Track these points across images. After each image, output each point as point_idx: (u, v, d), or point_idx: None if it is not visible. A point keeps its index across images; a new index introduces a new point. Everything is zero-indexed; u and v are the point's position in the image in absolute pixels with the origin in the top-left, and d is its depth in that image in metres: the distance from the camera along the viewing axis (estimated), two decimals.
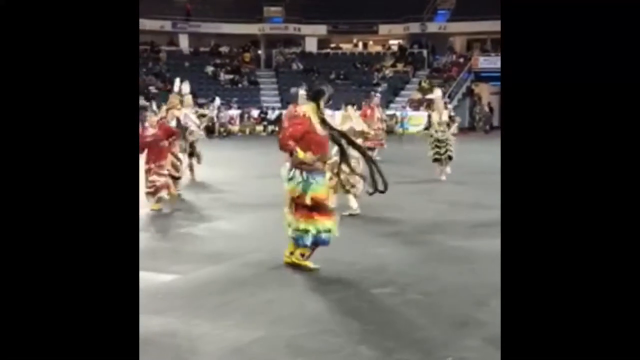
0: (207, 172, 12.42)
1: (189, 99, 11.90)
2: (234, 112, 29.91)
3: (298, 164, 5.74)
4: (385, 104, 30.90)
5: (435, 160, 12.50)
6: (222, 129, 27.18)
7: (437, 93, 13.64)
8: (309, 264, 5.88)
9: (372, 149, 12.38)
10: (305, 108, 5.96)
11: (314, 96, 5.95)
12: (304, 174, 5.73)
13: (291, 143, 5.68)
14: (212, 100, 19.23)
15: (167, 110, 10.59)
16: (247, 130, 28.84)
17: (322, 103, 5.86)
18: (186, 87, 12.47)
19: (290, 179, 5.79)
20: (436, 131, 12.47)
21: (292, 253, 5.96)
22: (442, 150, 12.33)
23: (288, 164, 5.86)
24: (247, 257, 6.42)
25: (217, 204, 9.74)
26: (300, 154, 5.66)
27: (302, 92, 12.56)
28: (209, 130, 27.37)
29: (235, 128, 28.99)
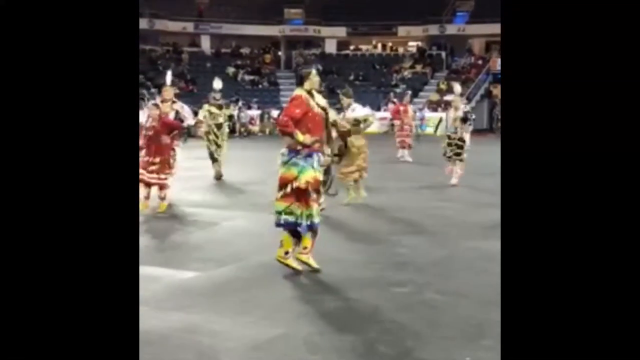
0: (228, 171, 12.45)
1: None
2: (254, 112, 29.99)
3: (295, 147, 5.61)
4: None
5: (447, 158, 11.93)
6: (242, 129, 27.28)
7: (456, 88, 12.77)
8: (313, 262, 5.71)
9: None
10: (298, 91, 5.79)
11: (300, 81, 5.87)
12: (300, 157, 5.61)
13: (291, 124, 5.55)
14: (236, 101, 19.22)
15: (162, 102, 10.15)
16: (267, 131, 28.88)
17: (307, 85, 5.77)
18: (218, 84, 12.59)
19: (286, 163, 5.65)
20: (447, 127, 11.96)
21: (287, 253, 5.70)
22: (452, 149, 11.71)
23: (285, 149, 5.71)
24: (267, 255, 6.41)
25: (237, 202, 9.77)
26: (300, 136, 5.54)
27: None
28: (230, 130, 27.53)
29: (256, 128, 29.08)
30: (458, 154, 11.65)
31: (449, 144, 11.72)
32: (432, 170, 13.33)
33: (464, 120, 11.73)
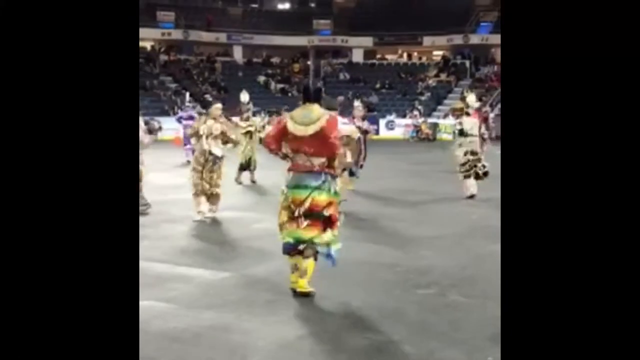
0: (260, 174, 12.48)
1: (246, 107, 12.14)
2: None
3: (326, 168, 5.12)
4: (429, 112, 30.75)
5: (466, 176, 10.59)
6: None
7: (470, 98, 11.37)
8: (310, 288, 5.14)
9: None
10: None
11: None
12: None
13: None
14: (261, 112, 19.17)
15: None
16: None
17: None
18: (245, 97, 12.64)
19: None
20: (470, 142, 10.60)
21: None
22: (473, 165, 10.53)
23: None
24: None
25: (266, 205, 9.77)
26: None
27: (357, 103, 11.83)
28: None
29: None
30: (479, 168, 10.52)
31: (467, 160, 10.55)
32: (455, 176, 13.21)
33: (484, 134, 10.88)
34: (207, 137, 8.34)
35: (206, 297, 5.08)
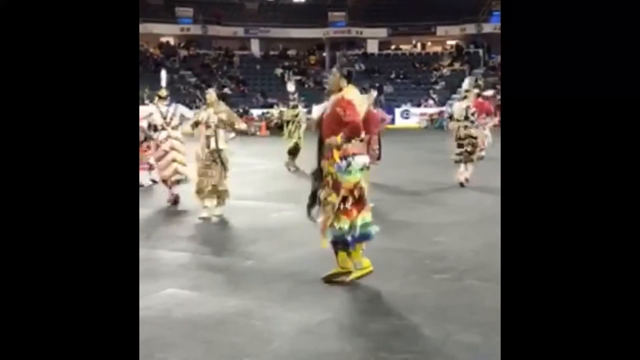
0: (278, 164, 12.54)
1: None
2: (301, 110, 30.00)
3: (351, 153, 4.94)
4: (444, 100, 30.62)
5: (457, 161, 10.41)
6: None
7: (465, 82, 11.14)
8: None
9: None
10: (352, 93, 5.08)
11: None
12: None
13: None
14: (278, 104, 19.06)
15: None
16: (313, 127, 28.84)
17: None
18: (291, 87, 12.59)
19: (351, 170, 4.92)
20: (458, 127, 10.35)
21: (343, 268, 5.07)
22: (464, 150, 10.29)
23: (356, 156, 4.97)
24: (315, 245, 6.44)
25: (285, 196, 9.82)
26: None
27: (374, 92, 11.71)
28: (280, 128, 27.68)
29: (303, 125, 29.07)
30: (470, 153, 10.30)
31: (460, 145, 10.35)
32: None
33: (473, 116, 10.38)
34: (207, 127, 7.85)
35: (229, 285, 5.13)
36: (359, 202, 4.97)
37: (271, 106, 29.83)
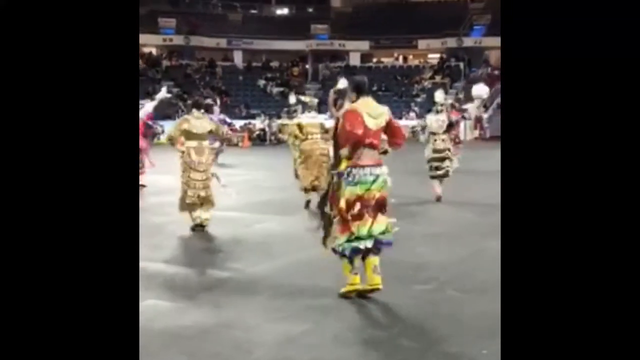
0: (260, 175, 12.51)
1: None
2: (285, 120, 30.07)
3: (361, 164, 4.92)
4: (426, 113, 30.79)
5: (433, 177, 10.19)
6: (272, 138, 27.40)
7: (437, 94, 10.83)
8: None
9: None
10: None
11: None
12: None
13: None
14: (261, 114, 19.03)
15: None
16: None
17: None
18: (292, 99, 12.44)
19: (357, 182, 4.90)
20: (435, 140, 10.20)
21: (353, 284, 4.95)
22: (440, 165, 10.15)
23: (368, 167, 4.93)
24: (296, 255, 6.45)
25: (268, 206, 9.81)
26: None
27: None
28: (261, 139, 27.72)
29: (285, 136, 29.10)
30: (445, 169, 10.13)
31: (435, 159, 10.16)
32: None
33: (450, 125, 10.30)
34: (189, 139, 7.68)
35: (210, 296, 5.11)
36: (374, 211, 4.93)
37: (253, 117, 29.88)
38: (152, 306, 4.80)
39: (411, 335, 4.16)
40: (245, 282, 5.48)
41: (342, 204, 4.87)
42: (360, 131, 4.86)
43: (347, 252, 4.88)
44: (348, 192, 4.88)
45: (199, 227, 7.78)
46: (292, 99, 12.48)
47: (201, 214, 7.79)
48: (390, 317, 4.53)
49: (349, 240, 4.88)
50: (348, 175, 4.88)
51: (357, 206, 4.88)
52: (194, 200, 7.70)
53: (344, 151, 4.92)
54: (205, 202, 7.79)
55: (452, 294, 5.07)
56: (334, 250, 5.01)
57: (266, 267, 5.99)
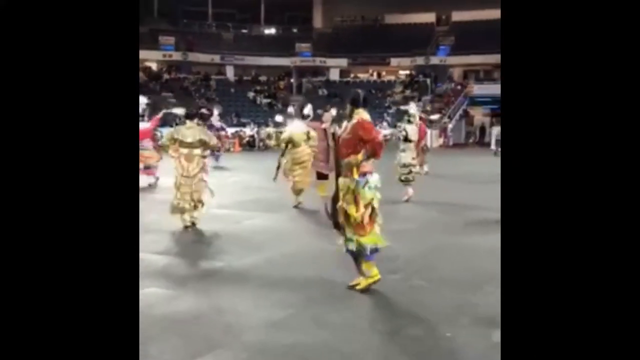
0: (249, 177, 12.47)
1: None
2: (271, 129, 30.00)
3: (366, 171, 4.83)
4: (396, 122, 30.90)
5: (406, 180, 10.04)
6: (261, 144, 27.35)
7: (411, 107, 10.88)
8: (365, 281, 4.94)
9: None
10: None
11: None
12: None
13: None
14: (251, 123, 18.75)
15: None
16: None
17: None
18: (307, 110, 12.07)
19: (370, 186, 4.82)
20: (410, 148, 10.12)
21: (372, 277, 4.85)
22: (412, 169, 10.10)
23: (372, 173, 4.87)
24: (282, 248, 6.45)
25: (256, 205, 9.79)
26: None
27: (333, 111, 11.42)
28: (250, 145, 27.63)
29: (272, 142, 29.06)
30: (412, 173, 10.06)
31: (411, 165, 10.10)
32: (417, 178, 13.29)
33: (405, 139, 10.15)
34: (181, 147, 7.52)
35: (204, 285, 5.09)
36: (372, 218, 4.87)
37: (244, 125, 29.75)
38: (152, 293, 4.77)
39: (383, 319, 4.18)
40: (236, 273, 5.47)
41: (362, 207, 4.77)
42: (380, 138, 4.81)
43: (367, 252, 4.79)
44: (369, 195, 4.80)
45: (190, 226, 7.65)
46: (307, 110, 11.95)
47: (190, 215, 7.64)
48: (364, 302, 4.55)
49: (369, 241, 4.81)
50: (367, 181, 4.78)
51: (373, 209, 4.84)
52: (183, 205, 7.55)
53: (359, 157, 4.73)
54: (195, 204, 7.64)
55: (418, 283, 5.09)
56: (351, 252, 4.89)
57: (254, 259, 5.97)
